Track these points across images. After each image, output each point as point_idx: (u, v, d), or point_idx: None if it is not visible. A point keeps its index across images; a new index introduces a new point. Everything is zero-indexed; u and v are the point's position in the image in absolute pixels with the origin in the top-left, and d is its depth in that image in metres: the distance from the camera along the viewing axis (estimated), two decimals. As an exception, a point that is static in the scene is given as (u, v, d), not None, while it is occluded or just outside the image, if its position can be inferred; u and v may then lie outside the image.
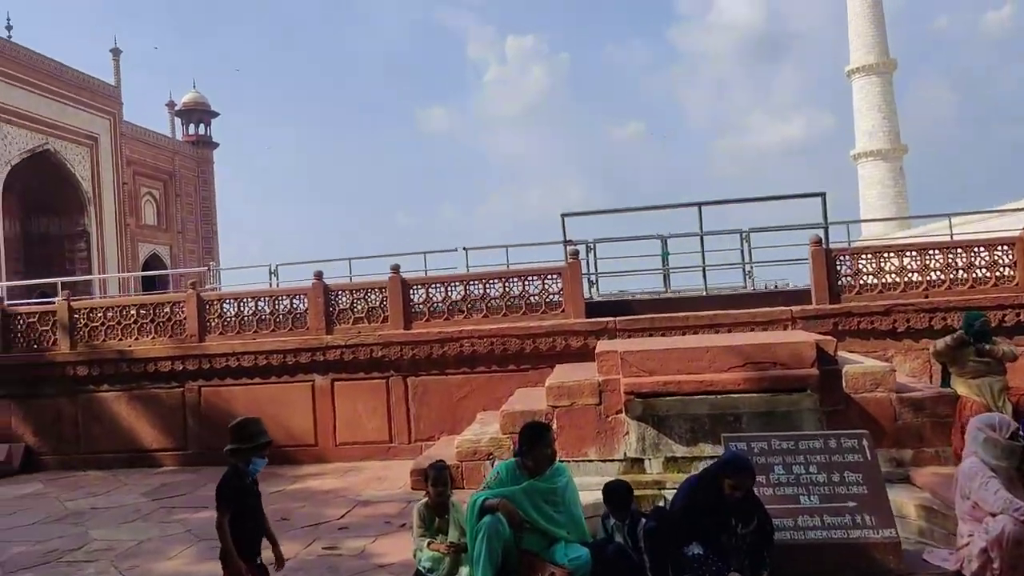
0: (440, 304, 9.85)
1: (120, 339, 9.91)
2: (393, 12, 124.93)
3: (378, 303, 9.85)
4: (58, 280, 12.92)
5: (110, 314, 9.91)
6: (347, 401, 9.77)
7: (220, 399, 9.82)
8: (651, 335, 8.62)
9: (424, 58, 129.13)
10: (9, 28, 44.67)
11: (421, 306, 9.73)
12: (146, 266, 43.83)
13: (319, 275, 10.01)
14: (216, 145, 52.65)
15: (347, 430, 9.77)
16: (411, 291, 9.78)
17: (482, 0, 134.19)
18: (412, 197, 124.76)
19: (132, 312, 9.94)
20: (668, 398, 6.19)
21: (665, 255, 10.49)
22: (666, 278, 10.69)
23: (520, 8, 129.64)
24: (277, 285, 11.52)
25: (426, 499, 4.88)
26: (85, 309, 10.04)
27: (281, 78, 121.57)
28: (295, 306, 9.95)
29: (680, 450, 6.22)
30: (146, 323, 9.91)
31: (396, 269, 9.99)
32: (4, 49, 39.86)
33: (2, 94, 39.40)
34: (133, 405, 9.91)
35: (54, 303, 10.36)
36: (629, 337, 8.66)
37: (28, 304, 11.88)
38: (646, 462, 6.28)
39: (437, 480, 4.83)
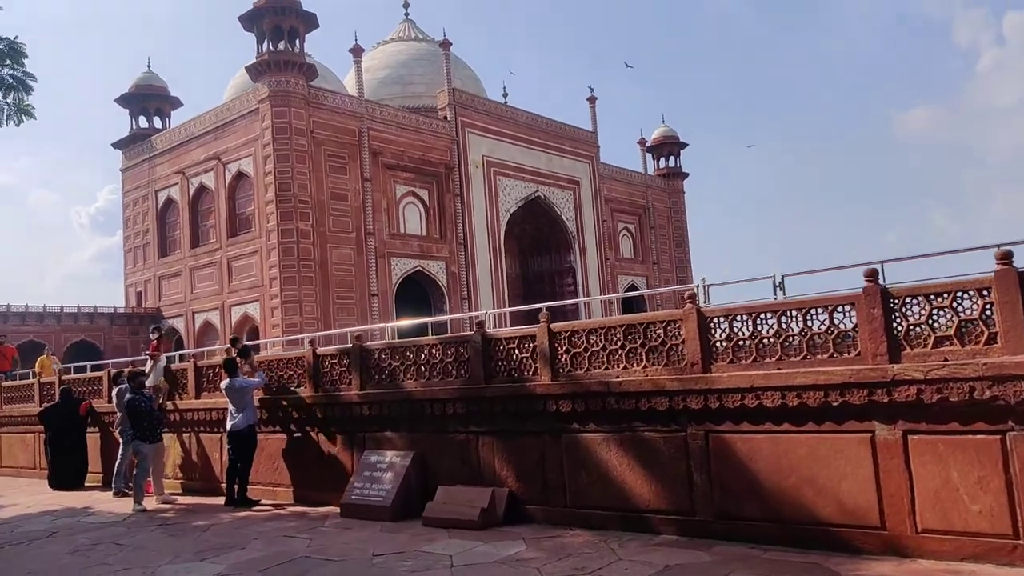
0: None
1: (605, 368, 7.74)
2: (859, 14, 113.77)
3: (976, 312, 6.07)
4: (542, 305, 11.69)
5: (592, 338, 7.83)
6: (931, 465, 6.10)
7: (736, 450, 6.96)
8: None
9: (898, 57, 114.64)
10: (505, 96, 49.76)
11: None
12: (625, 300, 44.28)
13: (872, 274, 6.61)
14: (686, 175, 51.84)
15: (934, 510, 6.08)
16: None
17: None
18: (892, 207, 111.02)
19: (618, 335, 7.70)
20: None
21: None
22: None
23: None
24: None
25: None
26: (566, 333, 8.12)
27: (745, 98, 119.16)
28: (836, 323, 6.69)
29: None
30: (635, 348, 7.58)
31: (1007, 258, 6.09)
32: (504, 113, 44.10)
33: (503, 152, 43.61)
34: (623, 450, 7.63)
35: (534, 328, 8.72)
36: None
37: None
38: None
39: None
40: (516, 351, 8.42)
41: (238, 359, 10.79)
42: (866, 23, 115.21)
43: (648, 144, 50.91)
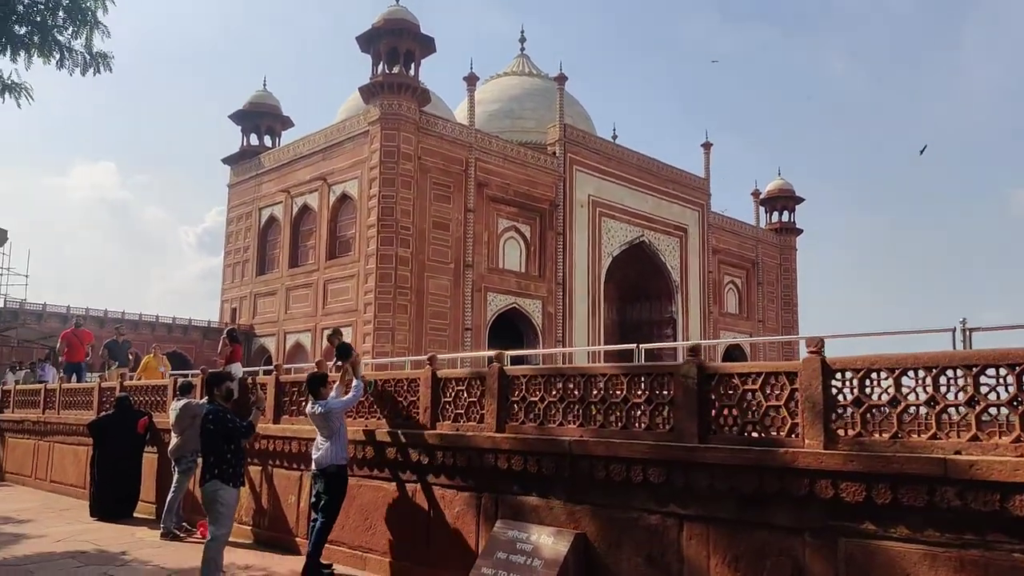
0: None
1: (933, 436, 4.56)
2: (979, 83, 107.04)
3: None
4: (641, 346, 8.59)
5: (904, 381, 4.64)
6: None
7: None
8: None
9: (1016, 130, 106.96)
10: (615, 136, 47.10)
11: None
12: (726, 356, 40.25)
13: None
14: (800, 232, 47.71)
15: None
16: None
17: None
18: (1001, 287, 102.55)
19: (962, 380, 4.54)
20: None
21: None
22: None
23: None
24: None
25: None
26: (854, 371, 4.95)
27: (862, 160, 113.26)
28: None
29: None
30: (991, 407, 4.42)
31: None
32: (614, 152, 41.31)
33: (610, 193, 40.68)
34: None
35: (794, 363, 5.58)
36: None
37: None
38: None
39: None
40: (757, 395, 5.24)
41: (333, 368, 7.99)
42: (989, 90, 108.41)
43: (762, 196, 47.11)
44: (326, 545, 7.48)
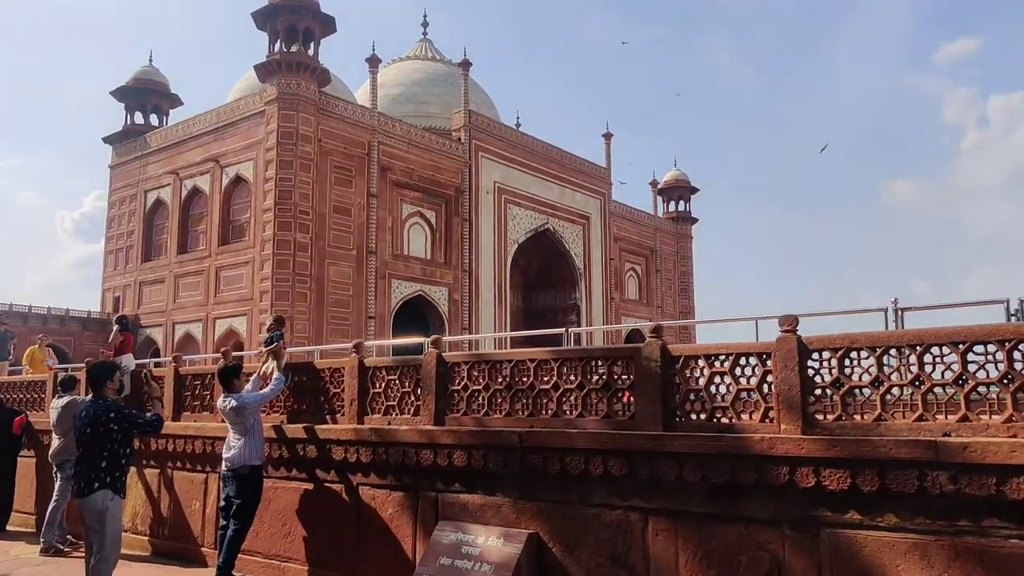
0: None
1: (919, 418, 4.29)
2: (858, 84, 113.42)
3: None
4: (551, 331, 8.31)
5: (885, 361, 4.32)
6: None
7: None
8: None
9: (889, 128, 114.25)
10: (518, 125, 46.81)
11: None
12: (628, 340, 40.87)
13: None
14: (695, 220, 49.00)
15: None
16: None
17: (959, 60, 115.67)
18: (876, 275, 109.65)
19: (970, 355, 4.27)
20: None
21: None
22: None
23: (1005, 64, 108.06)
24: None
25: None
26: (833, 350, 4.56)
27: (746, 156, 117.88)
28: None
29: None
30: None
31: None
32: (519, 140, 40.99)
33: (516, 180, 40.33)
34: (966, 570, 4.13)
35: (767, 343, 5.21)
36: None
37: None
38: None
39: None
40: (727, 378, 4.84)
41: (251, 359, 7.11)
42: (863, 91, 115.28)
43: (660, 186, 48.02)
44: (239, 555, 6.64)
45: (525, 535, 5.36)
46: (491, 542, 5.44)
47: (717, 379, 4.84)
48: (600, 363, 5.39)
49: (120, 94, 39.41)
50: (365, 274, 33.53)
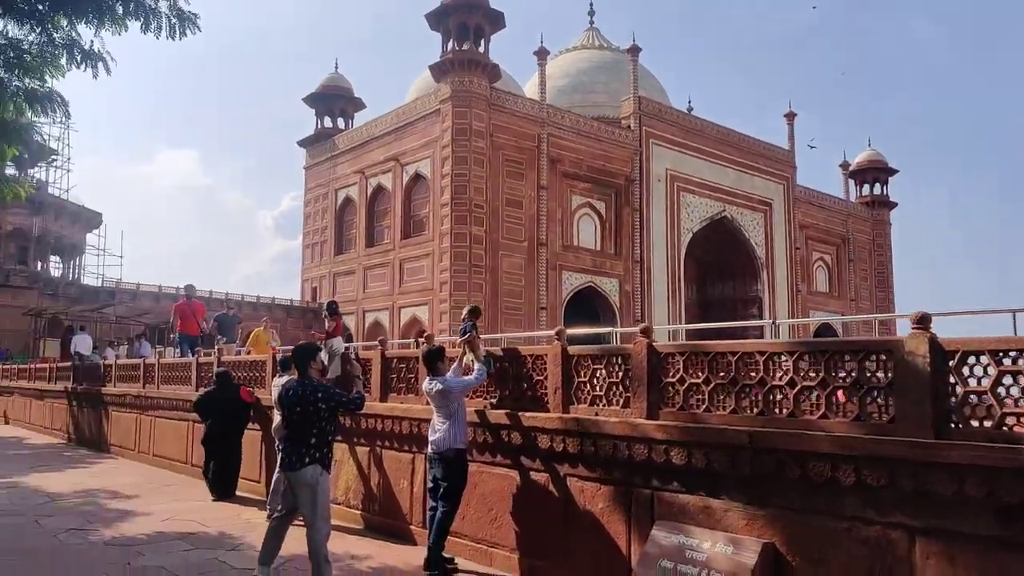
0: None
1: None
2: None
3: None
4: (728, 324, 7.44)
5: None
6: None
7: None
8: None
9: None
10: (690, 109, 45.19)
11: None
12: (817, 334, 38.29)
13: None
14: (894, 205, 45.00)
15: None
16: None
17: None
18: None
19: None
20: None
21: None
22: None
23: None
24: None
25: None
26: None
27: (961, 129, 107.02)
28: None
29: None
30: None
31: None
32: (692, 125, 39.51)
33: (689, 166, 38.95)
34: None
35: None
36: None
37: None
38: None
39: None
40: (1020, 379, 4.08)
41: (458, 343, 7.13)
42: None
43: (851, 168, 44.52)
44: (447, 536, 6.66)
45: (759, 544, 4.87)
46: (719, 548, 5.00)
47: (1008, 380, 4.08)
48: (848, 358, 4.77)
49: (311, 100, 42.25)
50: (536, 265, 33.74)
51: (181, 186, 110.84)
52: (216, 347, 12.27)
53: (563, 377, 6.51)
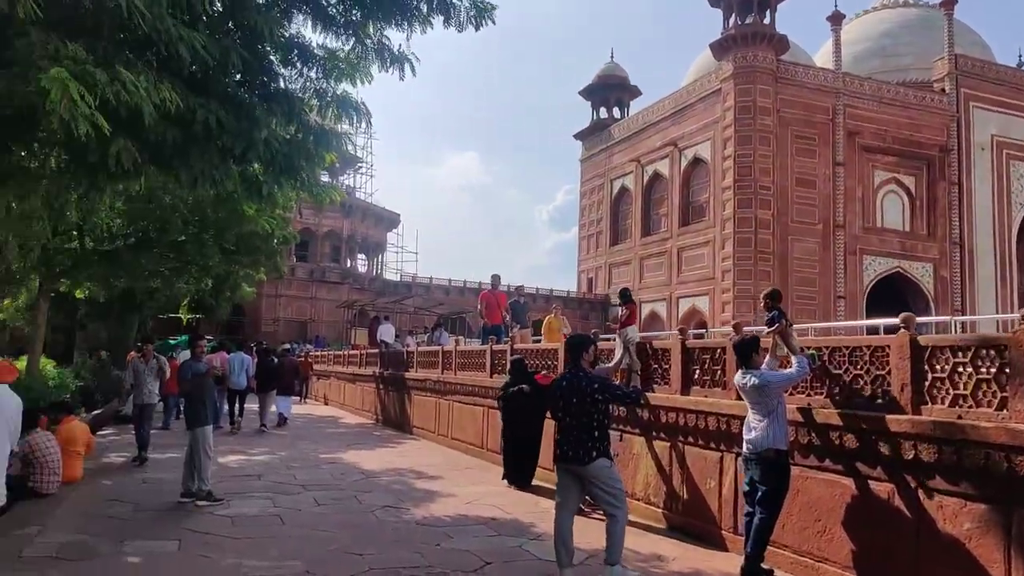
0: None
1: None
2: None
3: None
4: None
5: None
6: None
7: None
8: None
9: None
10: (1020, 64, 38.40)
11: None
12: None
13: None
14: None
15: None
16: None
17: None
18: None
19: None
20: None
21: None
22: None
23: None
24: None
25: None
26: None
27: None
28: None
29: None
30: None
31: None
32: (1023, 82, 33.64)
33: (1020, 131, 33.18)
34: None
35: None
36: None
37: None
38: None
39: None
40: None
41: (767, 335, 6.43)
42: None
43: None
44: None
45: None
46: None
47: None
48: None
49: (587, 93, 42.96)
50: (832, 250, 30.97)
51: (464, 186, 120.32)
52: (510, 334, 12.69)
53: (912, 372, 5.50)
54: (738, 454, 6.77)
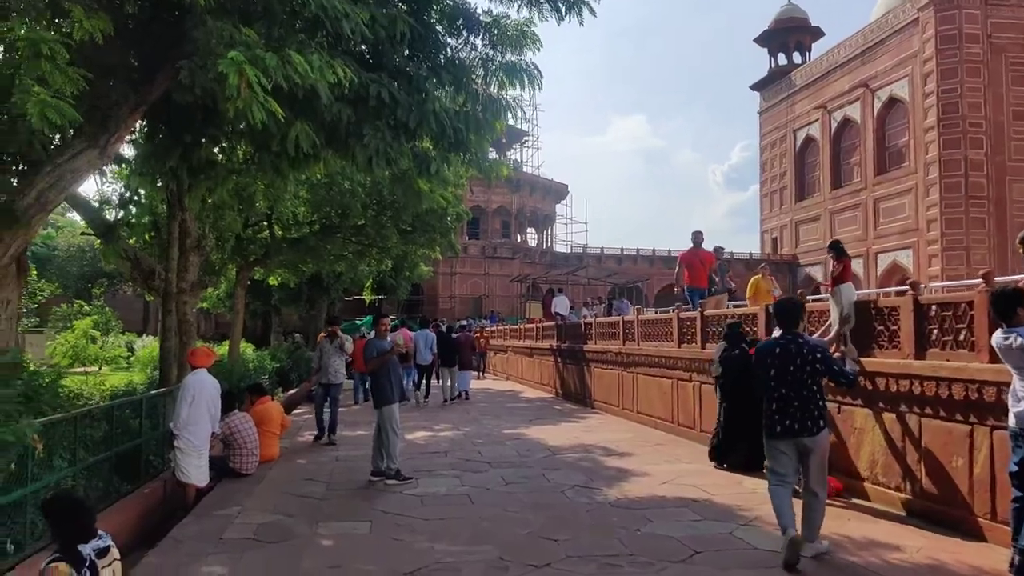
0: None
1: None
2: None
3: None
4: None
5: None
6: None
7: None
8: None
9: None
10: None
11: None
12: None
13: None
14: None
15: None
16: None
17: None
18: None
19: None
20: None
21: None
22: None
23: None
24: None
25: None
26: None
27: None
28: None
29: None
30: None
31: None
32: None
33: None
34: None
35: None
36: None
37: None
38: None
39: None
40: None
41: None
42: None
43: None
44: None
45: None
46: None
47: None
48: None
49: (763, 39, 40.16)
50: (1067, 190, 26.89)
51: (633, 151, 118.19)
52: (705, 299, 11.85)
53: None
54: (993, 427, 5.76)
